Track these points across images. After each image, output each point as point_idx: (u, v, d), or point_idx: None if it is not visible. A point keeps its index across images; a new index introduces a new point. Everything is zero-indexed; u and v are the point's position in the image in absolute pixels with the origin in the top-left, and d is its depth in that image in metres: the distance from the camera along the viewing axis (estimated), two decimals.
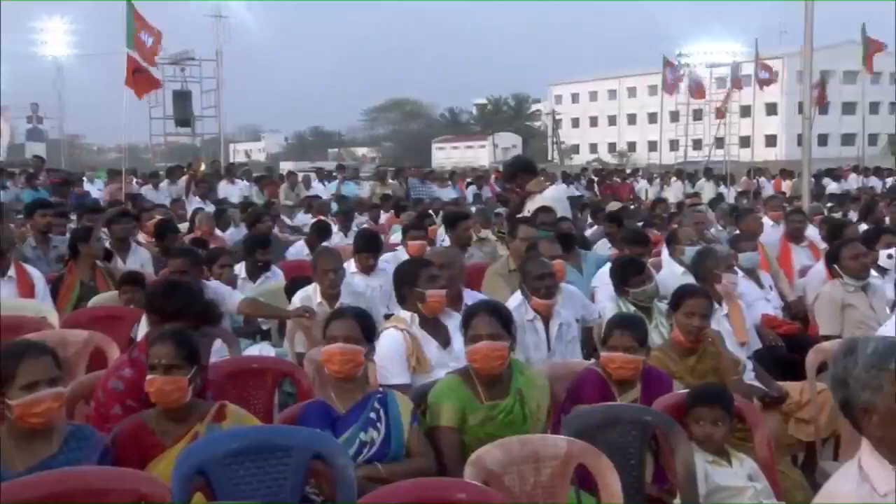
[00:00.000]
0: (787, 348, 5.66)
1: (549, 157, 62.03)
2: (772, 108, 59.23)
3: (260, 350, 5.40)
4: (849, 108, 55.92)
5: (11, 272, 6.02)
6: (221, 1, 27.70)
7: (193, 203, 12.81)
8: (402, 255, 6.91)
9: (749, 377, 4.72)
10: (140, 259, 7.28)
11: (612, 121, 77.80)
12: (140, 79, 11.58)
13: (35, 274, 6.16)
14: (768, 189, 20.75)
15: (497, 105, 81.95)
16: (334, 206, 12.77)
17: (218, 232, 9.36)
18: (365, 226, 10.46)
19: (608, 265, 5.78)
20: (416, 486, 2.85)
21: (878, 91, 51.10)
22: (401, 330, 4.32)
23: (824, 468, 4.22)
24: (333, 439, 3.18)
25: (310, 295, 5.50)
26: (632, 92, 74.97)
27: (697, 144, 41.30)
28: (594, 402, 3.69)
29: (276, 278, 6.75)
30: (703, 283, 5.09)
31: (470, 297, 5.06)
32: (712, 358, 4.31)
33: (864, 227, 8.32)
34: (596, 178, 22.76)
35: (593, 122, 79.72)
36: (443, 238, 8.36)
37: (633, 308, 5.05)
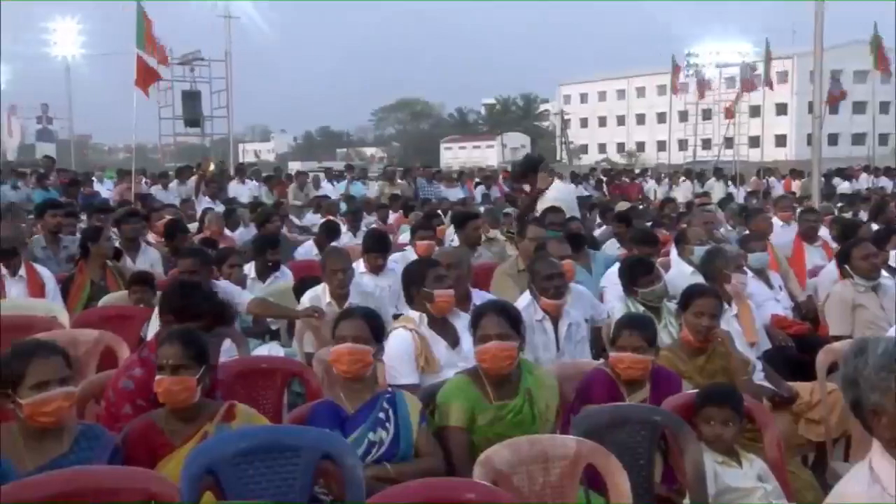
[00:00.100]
0: (796, 349, 5.64)
1: (558, 157, 61.96)
2: (782, 108, 59.07)
3: (269, 350, 5.41)
4: (859, 107, 55.59)
5: (22, 272, 6.07)
6: (231, 0, 27.73)
7: (203, 203, 12.84)
8: (411, 255, 6.92)
9: (758, 377, 4.70)
10: (150, 259, 7.31)
11: (621, 121, 77.71)
12: (144, 73, 11.57)
13: (45, 274, 6.20)
14: (778, 189, 20.67)
15: (505, 105, 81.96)
16: (343, 206, 12.79)
17: (227, 232, 9.37)
18: (373, 226, 10.47)
19: (617, 265, 5.77)
20: (424, 486, 2.85)
21: (889, 90, 50.83)
22: (409, 330, 4.32)
23: (835, 469, 4.20)
24: (342, 439, 3.18)
25: (319, 295, 5.50)
26: (641, 92, 74.88)
27: (706, 144, 41.19)
28: (603, 402, 3.68)
29: (285, 278, 6.76)
30: (713, 283, 5.08)
31: (478, 297, 5.06)
32: (722, 358, 4.30)
33: (874, 226, 8.29)
34: (605, 178, 22.73)
35: (602, 122, 79.63)
36: (451, 238, 8.37)
37: (641, 308, 5.04)
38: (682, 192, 19.60)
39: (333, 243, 7.95)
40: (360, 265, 6.27)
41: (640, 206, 13.60)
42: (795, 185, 20.77)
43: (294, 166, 39.19)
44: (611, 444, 3.25)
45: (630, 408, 3.67)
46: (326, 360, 3.93)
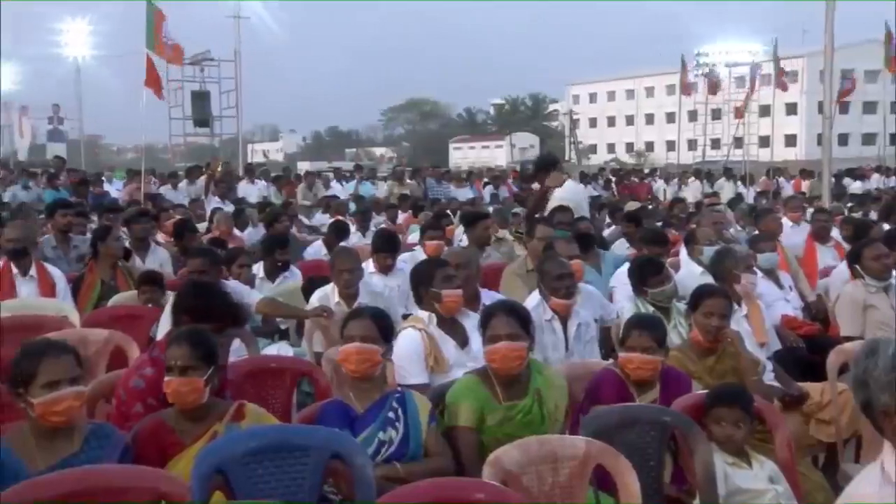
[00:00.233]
0: (807, 349, 5.62)
1: (567, 157, 61.83)
2: (791, 108, 58.81)
3: (278, 350, 5.42)
4: (870, 107, 55.41)
5: (33, 272, 6.10)
6: (240, 0, 27.81)
7: (212, 203, 12.87)
8: (420, 254, 6.93)
9: (768, 378, 4.69)
10: (159, 259, 7.33)
11: (630, 120, 77.55)
12: (153, 74, 11.61)
13: (56, 273, 6.22)
14: (788, 189, 20.61)
15: (514, 105, 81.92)
16: (352, 206, 12.80)
17: (236, 232, 9.39)
18: (382, 226, 10.48)
19: (626, 265, 5.76)
20: (434, 485, 2.85)
21: None
22: (419, 330, 4.32)
23: (846, 470, 4.18)
24: (352, 439, 3.18)
25: (328, 294, 5.51)
26: (650, 92, 74.73)
27: (716, 144, 41.04)
28: (612, 402, 3.67)
29: (294, 278, 6.77)
30: (722, 284, 5.06)
31: (487, 297, 5.06)
32: (731, 358, 4.28)
33: (885, 227, 8.25)
34: (614, 178, 22.67)
35: (611, 121, 79.48)
36: (460, 238, 8.37)
37: (651, 308, 5.03)
38: (692, 192, 19.55)
39: (343, 243, 7.96)
40: (369, 265, 6.27)
41: (650, 206, 13.57)
42: (805, 186, 20.69)
43: (303, 166, 39.21)
44: (620, 445, 3.25)
45: (640, 408, 3.66)
46: (335, 360, 3.94)
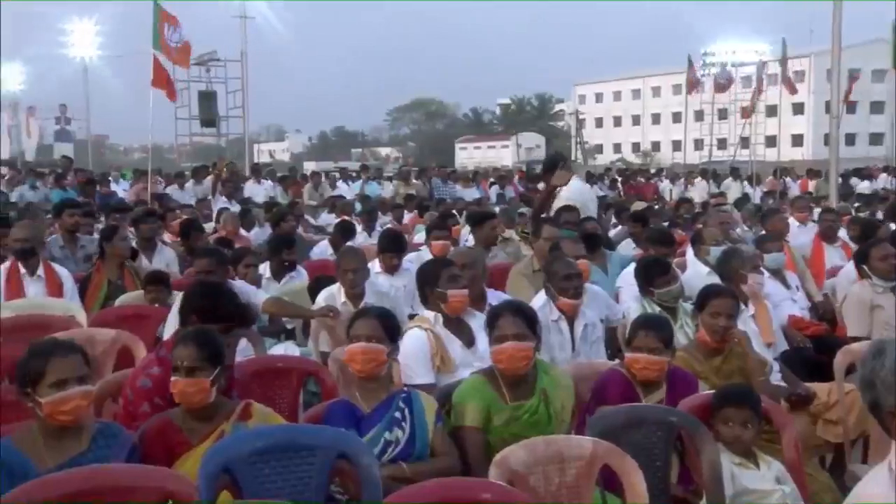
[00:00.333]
0: (814, 349, 5.61)
1: (573, 157, 61.77)
2: (798, 108, 58.70)
3: (285, 349, 5.43)
4: (877, 107, 55.22)
5: (40, 271, 6.12)
6: (246, 1, 27.87)
7: (219, 203, 12.90)
8: (426, 255, 6.92)
9: (775, 378, 4.67)
10: (165, 258, 7.35)
11: (636, 120, 77.45)
12: (159, 74, 11.58)
13: (63, 273, 6.25)
14: (794, 189, 20.56)
15: (520, 105, 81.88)
16: (358, 206, 12.81)
17: (243, 232, 9.41)
18: (389, 226, 10.48)
19: (633, 265, 5.75)
20: (440, 485, 2.85)
21: None
22: (425, 329, 4.33)
23: (853, 471, 4.17)
24: (358, 438, 3.19)
25: (334, 294, 5.52)
26: (656, 91, 74.61)
27: (722, 144, 40.94)
28: (619, 402, 3.67)
29: (300, 278, 6.78)
30: (729, 284, 5.06)
31: (494, 297, 5.05)
32: (738, 358, 4.27)
33: (892, 227, 8.23)
34: (620, 178, 22.66)
35: (617, 121, 79.40)
36: (466, 238, 8.36)
37: (657, 308, 5.02)
38: (698, 192, 19.53)
39: (349, 243, 7.97)
40: (375, 265, 6.28)
41: (656, 206, 13.54)
42: (812, 185, 20.64)
43: (309, 166, 39.30)
44: (627, 445, 3.24)
45: (646, 408, 3.66)
46: (342, 360, 3.94)
